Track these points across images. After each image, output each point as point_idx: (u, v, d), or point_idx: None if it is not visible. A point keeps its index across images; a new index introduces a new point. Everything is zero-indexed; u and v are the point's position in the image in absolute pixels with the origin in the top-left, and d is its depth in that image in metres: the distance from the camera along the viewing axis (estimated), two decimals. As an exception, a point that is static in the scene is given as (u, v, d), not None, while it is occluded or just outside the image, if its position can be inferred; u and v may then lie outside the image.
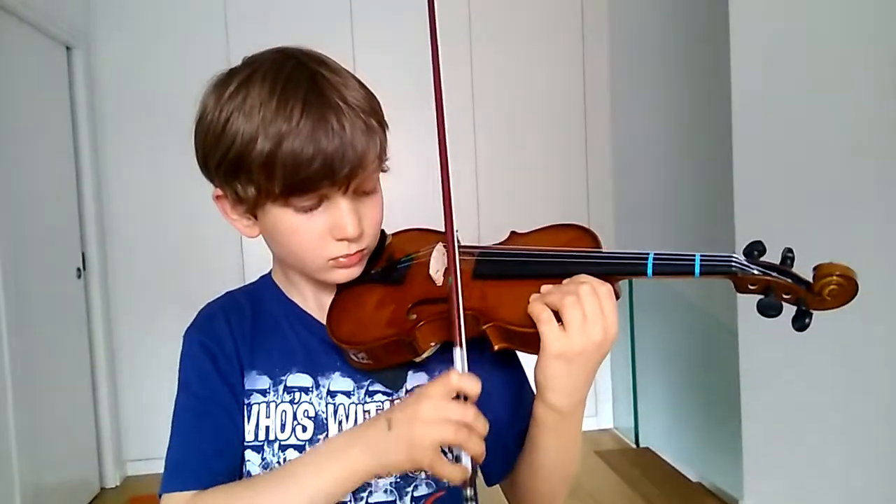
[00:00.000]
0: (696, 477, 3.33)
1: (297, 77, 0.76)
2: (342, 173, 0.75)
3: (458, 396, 0.69)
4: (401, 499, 0.84)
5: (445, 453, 0.70)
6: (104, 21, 3.61)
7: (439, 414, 0.68)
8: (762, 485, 2.59)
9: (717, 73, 2.72)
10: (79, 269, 3.46)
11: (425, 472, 0.84)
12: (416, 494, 0.85)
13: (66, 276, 3.36)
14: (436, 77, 0.81)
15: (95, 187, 3.57)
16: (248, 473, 0.83)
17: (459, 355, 0.71)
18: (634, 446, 3.83)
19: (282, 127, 0.73)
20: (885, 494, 2.04)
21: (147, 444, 3.57)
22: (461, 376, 0.69)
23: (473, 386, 0.69)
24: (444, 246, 0.83)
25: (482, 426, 0.68)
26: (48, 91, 3.30)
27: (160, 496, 0.81)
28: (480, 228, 3.72)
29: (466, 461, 0.68)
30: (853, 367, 2.13)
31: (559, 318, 0.71)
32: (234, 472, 0.82)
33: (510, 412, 0.87)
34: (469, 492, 0.68)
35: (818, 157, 2.21)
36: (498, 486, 0.92)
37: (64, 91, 3.43)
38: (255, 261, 3.62)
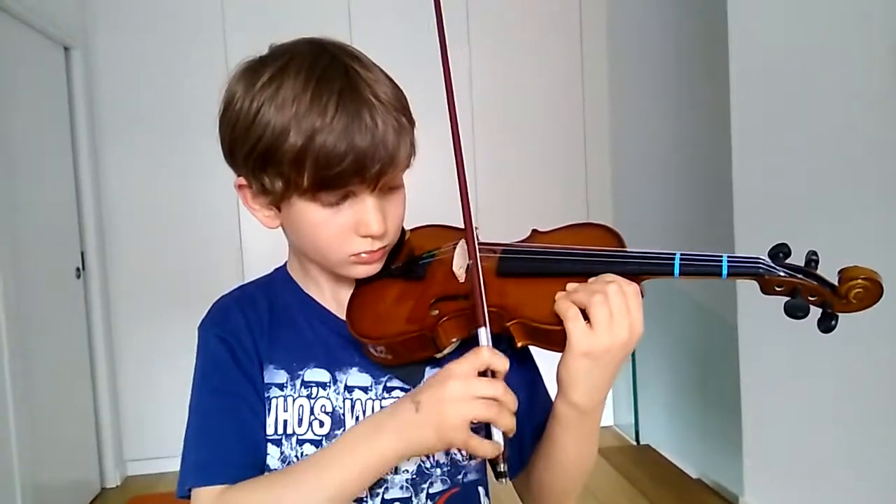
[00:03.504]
0: (696, 474, 3.33)
1: (331, 72, 0.75)
2: (373, 170, 0.75)
3: (484, 374, 0.69)
4: (416, 495, 0.84)
5: (477, 431, 0.70)
6: (102, 21, 3.61)
7: (468, 392, 0.68)
8: (762, 481, 2.60)
9: (716, 70, 2.72)
10: (78, 269, 3.46)
11: (455, 454, 0.85)
12: (431, 491, 0.84)
13: (66, 276, 3.36)
14: (447, 80, 0.81)
15: (94, 187, 3.57)
16: (268, 467, 0.83)
17: (485, 334, 0.71)
18: (634, 443, 3.84)
19: (315, 122, 0.73)
20: (884, 490, 2.05)
21: (147, 443, 3.57)
22: (492, 352, 0.70)
23: (502, 362, 0.69)
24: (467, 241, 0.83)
25: (511, 401, 0.69)
26: (46, 92, 3.30)
27: (188, 490, 0.80)
28: (480, 225, 3.72)
29: (498, 436, 0.68)
30: (853, 364, 2.13)
31: (585, 317, 0.71)
32: (260, 465, 0.82)
33: (526, 408, 0.86)
34: (502, 467, 0.68)
35: (817, 154, 2.21)
36: (508, 483, 0.92)
37: (62, 91, 3.43)
38: (255, 259, 3.62)
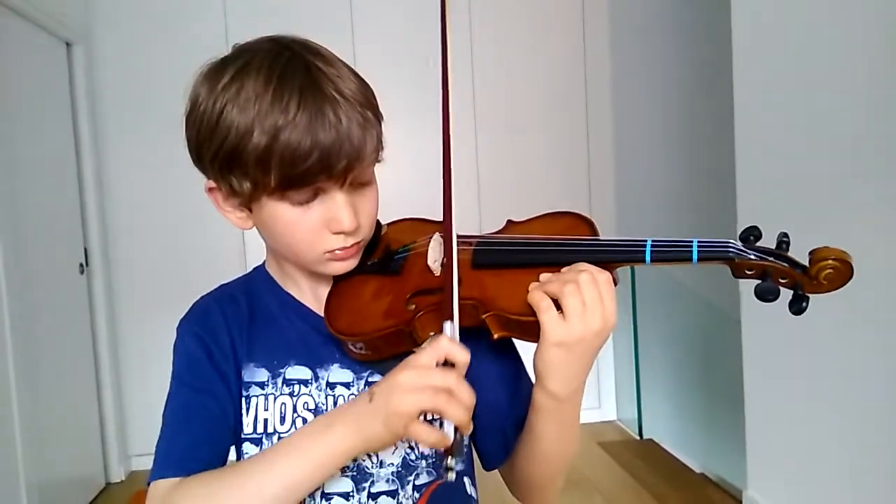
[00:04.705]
0: (699, 468, 3.33)
1: (292, 69, 0.75)
2: (339, 166, 0.74)
3: (445, 365, 0.69)
4: (402, 488, 0.84)
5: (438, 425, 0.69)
6: (104, 17, 3.61)
7: (419, 380, 0.68)
8: (766, 475, 2.59)
9: (719, 61, 2.71)
10: (81, 265, 3.46)
11: (411, 446, 0.85)
12: (417, 483, 0.85)
13: (69, 272, 3.37)
14: (443, 76, 0.80)
15: (97, 183, 3.58)
16: None
17: (450, 328, 0.71)
18: (638, 438, 3.84)
19: (278, 120, 0.72)
20: (888, 484, 2.04)
21: (152, 438, 3.49)
22: (451, 342, 0.69)
23: (461, 353, 0.68)
24: (442, 235, 0.83)
25: (465, 394, 0.67)
26: (49, 88, 3.30)
27: (148, 484, 0.80)
28: (482, 219, 3.72)
29: (448, 428, 0.66)
30: (856, 357, 2.12)
31: (559, 307, 0.71)
32: (221, 462, 0.82)
33: (508, 398, 0.88)
34: (451, 461, 0.66)
35: (819, 145, 2.20)
36: (497, 472, 0.93)
37: (64, 87, 3.43)
38: (257, 254, 3.62)
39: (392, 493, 0.84)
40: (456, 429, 0.66)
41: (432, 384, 0.67)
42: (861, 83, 2.05)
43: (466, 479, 0.90)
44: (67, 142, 3.44)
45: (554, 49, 3.95)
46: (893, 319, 1.97)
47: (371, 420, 0.70)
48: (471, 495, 0.91)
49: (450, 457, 0.66)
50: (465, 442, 0.88)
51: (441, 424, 0.68)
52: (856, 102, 2.07)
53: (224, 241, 3.65)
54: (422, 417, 0.69)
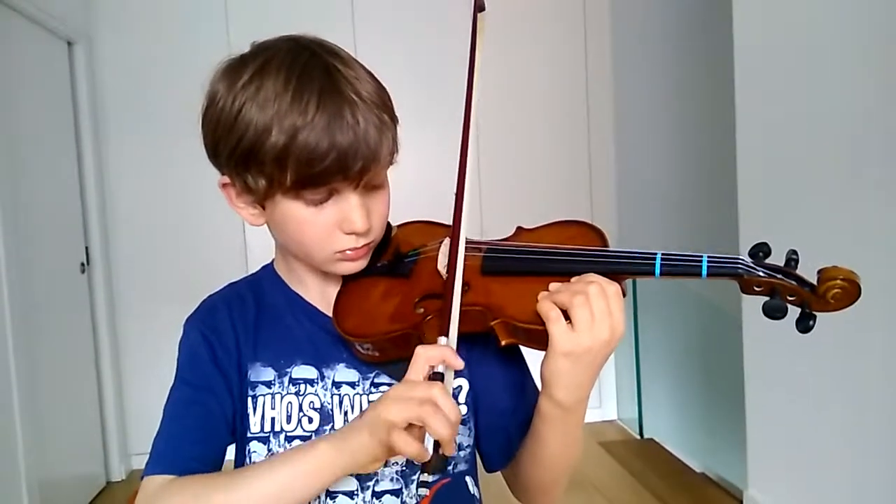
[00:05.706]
0: (700, 468, 3.33)
1: (312, 69, 0.76)
2: (355, 168, 0.75)
3: (434, 378, 0.70)
4: (406, 487, 0.85)
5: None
6: (105, 16, 3.61)
7: (407, 392, 0.69)
8: (766, 475, 2.60)
9: (720, 66, 2.71)
10: (82, 264, 3.46)
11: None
12: (421, 481, 0.85)
13: (70, 271, 3.37)
14: (469, 85, 0.81)
15: (98, 182, 3.58)
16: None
17: (444, 343, 0.72)
18: (638, 437, 3.84)
19: (297, 120, 0.73)
20: (889, 486, 2.04)
21: (153, 437, 3.58)
22: (424, 349, 0.71)
23: (450, 357, 0.70)
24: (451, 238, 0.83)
25: (449, 407, 0.67)
26: (50, 87, 3.30)
27: (142, 478, 0.81)
28: (483, 222, 3.72)
29: (429, 443, 0.67)
30: (858, 359, 2.12)
31: (567, 317, 0.71)
32: (217, 460, 0.83)
33: (513, 403, 0.89)
34: (425, 476, 0.67)
35: (821, 151, 2.20)
36: (500, 475, 0.93)
37: (66, 87, 3.43)
38: (259, 253, 3.62)
39: (396, 492, 0.85)
40: (437, 446, 0.66)
41: (417, 395, 0.68)
42: (864, 86, 2.05)
43: (469, 479, 0.90)
44: (69, 141, 3.44)
45: (554, 52, 3.94)
46: (895, 320, 1.97)
47: (358, 430, 0.71)
48: (474, 495, 0.91)
49: (425, 473, 0.67)
50: (456, 459, 0.88)
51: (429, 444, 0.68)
52: (859, 105, 2.07)
53: (225, 241, 3.66)
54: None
